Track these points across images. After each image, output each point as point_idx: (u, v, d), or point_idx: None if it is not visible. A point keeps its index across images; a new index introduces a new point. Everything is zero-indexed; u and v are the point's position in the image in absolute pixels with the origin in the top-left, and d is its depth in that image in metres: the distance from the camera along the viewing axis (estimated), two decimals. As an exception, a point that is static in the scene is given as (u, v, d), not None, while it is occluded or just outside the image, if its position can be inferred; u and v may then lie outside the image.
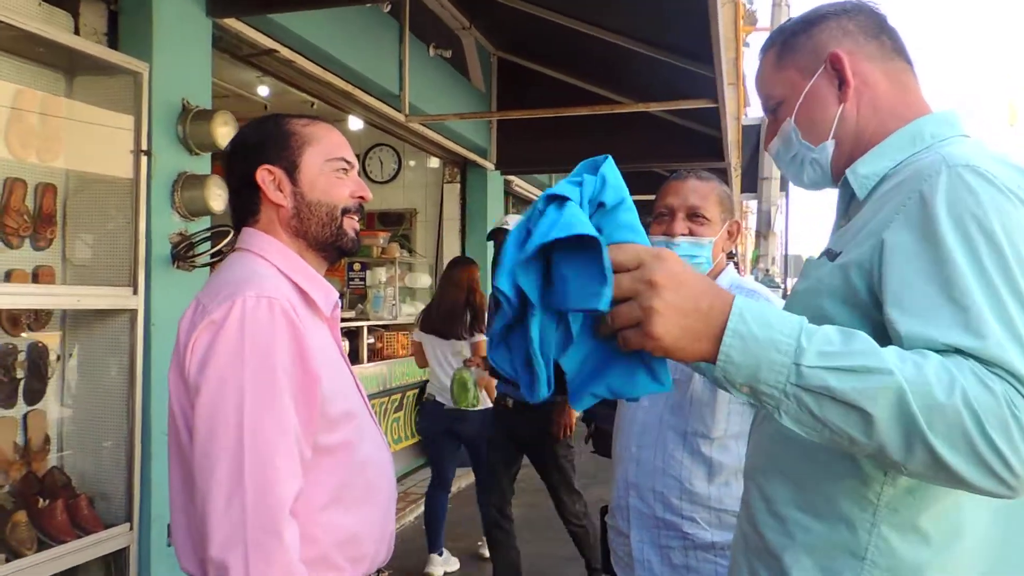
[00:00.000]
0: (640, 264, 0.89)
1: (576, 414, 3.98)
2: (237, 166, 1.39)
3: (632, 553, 1.83)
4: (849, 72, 1.09)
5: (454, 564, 4.89)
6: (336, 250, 1.40)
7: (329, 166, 1.38)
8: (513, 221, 3.58)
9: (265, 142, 1.37)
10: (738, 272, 2.00)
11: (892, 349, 0.85)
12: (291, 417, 1.20)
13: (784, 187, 10.45)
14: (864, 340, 0.85)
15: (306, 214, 1.36)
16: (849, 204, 1.14)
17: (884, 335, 0.92)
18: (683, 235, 1.81)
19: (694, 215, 1.82)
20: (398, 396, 6.04)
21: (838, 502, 0.98)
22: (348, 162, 1.41)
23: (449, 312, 4.51)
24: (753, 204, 9.79)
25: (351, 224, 1.40)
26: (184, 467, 1.27)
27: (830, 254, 1.06)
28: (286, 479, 1.18)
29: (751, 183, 9.65)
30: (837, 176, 1.15)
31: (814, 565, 0.98)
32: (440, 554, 4.74)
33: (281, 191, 1.36)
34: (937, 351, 0.84)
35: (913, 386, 0.81)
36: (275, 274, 1.32)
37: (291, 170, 1.36)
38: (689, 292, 0.88)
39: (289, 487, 1.18)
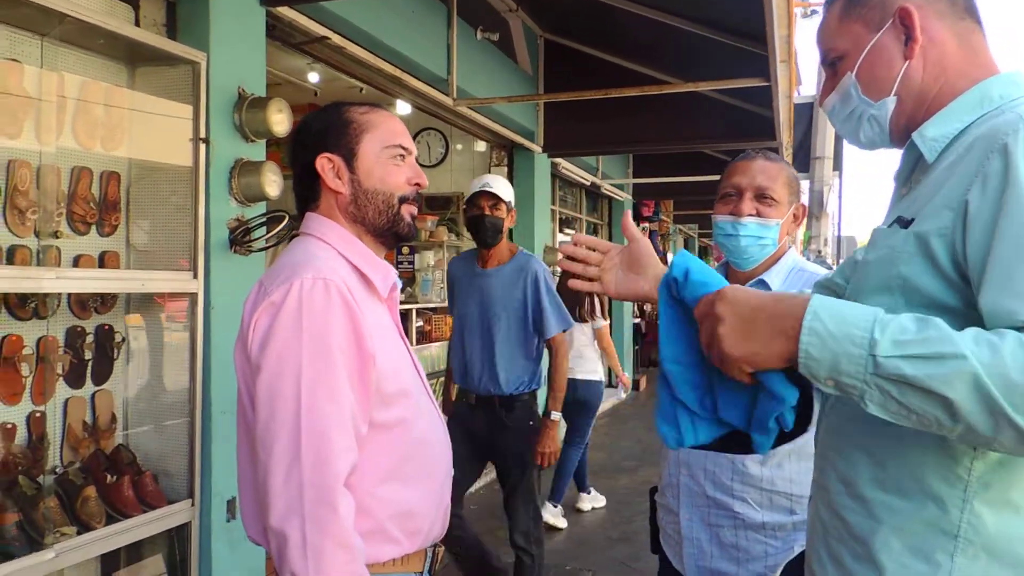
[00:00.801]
0: (706, 306, 1.04)
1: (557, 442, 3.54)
2: (299, 154, 1.43)
3: (681, 531, 1.84)
4: (918, 28, 1.07)
5: (600, 500, 5.54)
6: (393, 236, 1.44)
7: (387, 153, 1.41)
8: (492, 181, 3.50)
9: (325, 130, 1.41)
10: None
11: (969, 332, 0.86)
12: (347, 394, 1.25)
13: (837, 167, 10.24)
14: (938, 326, 0.86)
15: (363, 201, 1.40)
16: (914, 168, 1.12)
17: (971, 305, 0.92)
18: (751, 215, 1.80)
19: (762, 196, 1.81)
20: (444, 378, 6.11)
21: (926, 479, 0.97)
22: (406, 148, 1.44)
23: (572, 298, 4.99)
24: (805, 184, 9.60)
25: (408, 210, 1.44)
26: (251, 441, 1.32)
27: (902, 221, 1.03)
28: (341, 453, 1.23)
29: (803, 163, 9.46)
30: (895, 136, 1.13)
31: (903, 546, 0.97)
32: (588, 492, 5.49)
33: (340, 178, 1.40)
34: (1018, 327, 0.85)
35: (989, 368, 0.82)
36: (335, 256, 1.36)
37: (349, 158, 1.40)
38: (742, 310, 0.98)
39: (344, 461, 1.23)
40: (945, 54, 1.08)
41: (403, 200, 1.42)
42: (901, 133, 1.13)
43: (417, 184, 1.44)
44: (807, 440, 1.73)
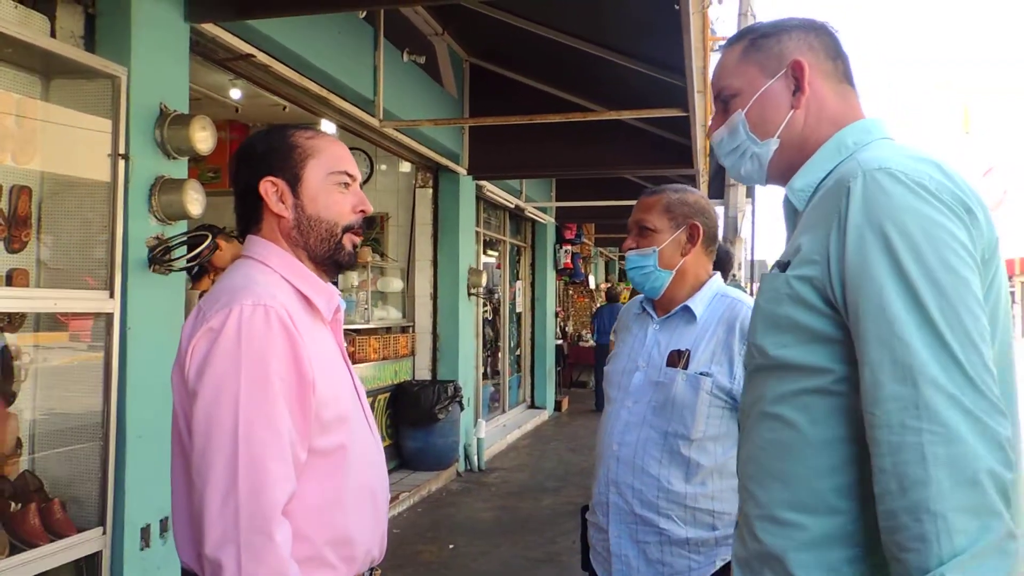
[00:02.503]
0: None
1: None
2: (242, 175, 1.41)
3: (610, 548, 1.89)
4: (807, 81, 1.18)
5: None
6: (333, 264, 1.43)
7: (331, 179, 1.41)
8: None
9: (270, 153, 1.40)
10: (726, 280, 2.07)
11: None
12: (285, 422, 1.24)
13: (750, 194, 10.64)
14: None
15: (306, 227, 1.39)
16: (795, 218, 1.23)
17: (850, 336, 1.02)
18: (632, 248, 1.97)
19: (641, 228, 1.96)
20: (370, 399, 6.05)
21: (828, 498, 1.04)
22: (351, 175, 1.43)
23: None
24: (721, 210, 9.94)
25: (351, 240, 1.43)
26: (185, 464, 1.30)
27: (780, 265, 1.14)
28: (278, 482, 1.22)
29: (718, 190, 9.81)
30: (772, 175, 1.24)
31: (814, 560, 1.03)
32: None
33: (283, 203, 1.38)
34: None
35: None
36: (277, 280, 1.35)
37: (293, 182, 1.39)
38: None
39: (281, 489, 1.22)
40: (823, 109, 1.19)
41: (347, 229, 1.42)
42: (777, 175, 1.24)
43: (362, 211, 1.44)
44: (729, 459, 1.81)
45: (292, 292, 1.35)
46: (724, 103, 1.26)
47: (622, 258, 17.02)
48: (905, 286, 0.97)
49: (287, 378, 1.24)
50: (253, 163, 1.40)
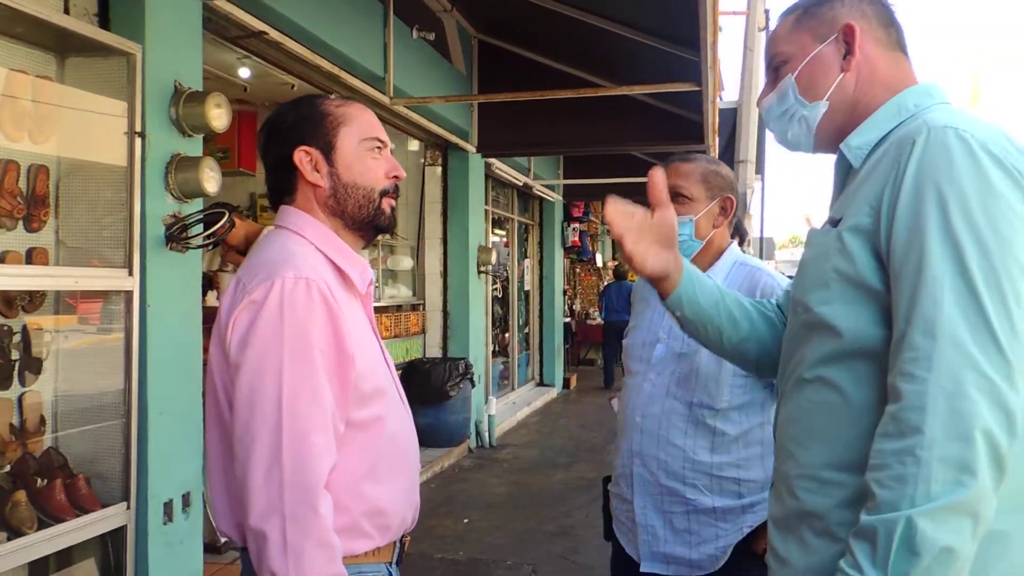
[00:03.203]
0: None
1: None
2: (274, 146, 1.41)
3: (635, 518, 1.90)
4: (857, 45, 1.19)
5: None
6: (374, 228, 1.44)
7: (364, 146, 1.41)
8: None
9: (301, 123, 1.39)
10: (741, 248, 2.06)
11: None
12: (327, 394, 1.25)
13: (759, 171, 10.58)
14: None
15: (343, 194, 1.39)
16: (846, 176, 1.23)
17: (886, 293, 1.04)
18: None
19: (676, 195, 1.88)
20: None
21: (868, 456, 1.05)
22: (382, 141, 1.43)
23: None
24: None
25: (388, 203, 1.44)
26: (224, 437, 1.31)
27: (832, 221, 1.15)
28: (321, 454, 1.23)
29: (728, 166, 9.75)
30: (820, 140, 1.25)
31: (854, 518, 1.04)
32: None
33: (318, 171, 1.38)
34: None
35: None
36: (312, 252, 1.35)
37: (327, 151, 1.38)
38: None
39: (324, 462, 1.23)
40: (875, 72, 1.20)
41: (383, 193, 1.42)
42: (825, 139, 1.24)
43: (396, 176, 1.44)
44: (751, 427, 1.82)
45: (327, 264, 1.36)
46: (775, 71, 1.27)
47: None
48: (951, 244, 0.98)
49: (328, 351, 1.25)
50: (284, 134, 1.40)
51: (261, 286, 1.25)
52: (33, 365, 2.80)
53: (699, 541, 1.83)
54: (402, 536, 1.44)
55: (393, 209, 1.45)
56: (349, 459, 1.29)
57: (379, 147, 1.43)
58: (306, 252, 1.34)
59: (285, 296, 1.24)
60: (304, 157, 1.38)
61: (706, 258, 1.93)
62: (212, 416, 1.35)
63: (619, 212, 1.35)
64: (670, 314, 1.48)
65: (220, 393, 1.31)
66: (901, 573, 0.94)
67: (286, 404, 1.21)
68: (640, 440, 1.88)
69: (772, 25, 1.34)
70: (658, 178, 1.36)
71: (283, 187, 1.42)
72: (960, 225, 0.98)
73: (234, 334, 1.25)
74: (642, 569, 1.89)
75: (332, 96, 1.45)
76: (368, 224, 1.42)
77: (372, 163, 1.41)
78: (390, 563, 1.39)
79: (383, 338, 6.01)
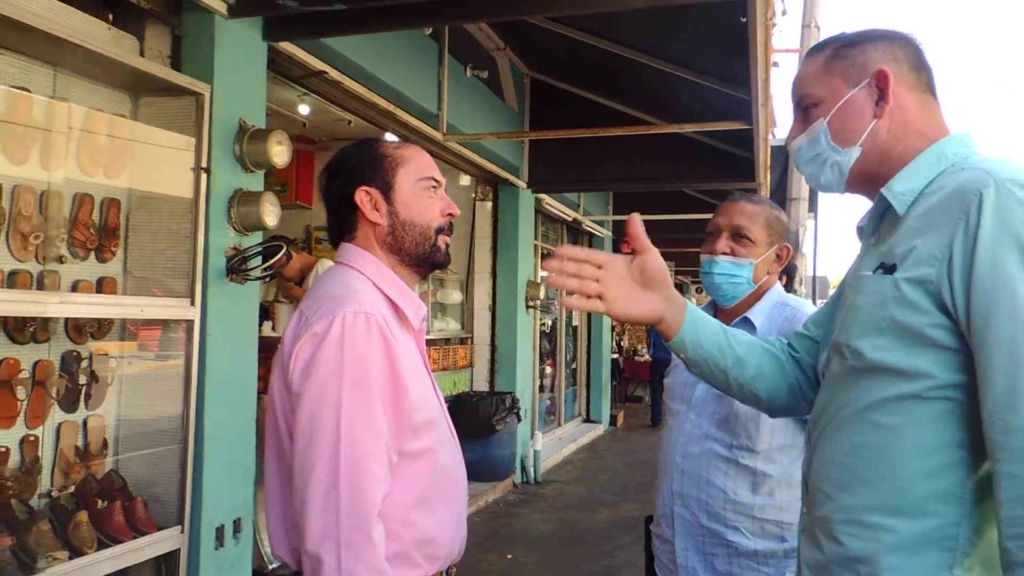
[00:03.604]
0: None
1: None
2: (336, 186, 1.49)
3: (676, 560, 1.89)
4: (891, 91, 1.19)
5: None
6: (429, 264, 1.50)
7: (421, 185, 1.47)
8: None
9: (362, 165, 1.47)
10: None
11: None
12: (383, 425, 1.30)
13: (812, 208, 10.47)
14: None
15: (400, 232, 1.46)
16: (881, 220, 1.23)
17: (962, 342, 1.04)
18: (724, 254, 1.89)
19: (738, 235, 1.89)
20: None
21: (924, 501, 1.05)
22: (437, 180, 1.50)
23: None
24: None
25: (444, 240, 1.50)
26: (283, 464, 1.37)
27: (885, 267, 1.13)
28: (376, 483, 1.28)
29: (779, 204, 9.66)
30: (852, 184, 1.25)
31: (906, 563, 1.04)
32: None
33: (378, 210, 1.45)
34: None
35: None
36: (371, 288, 1.41)
37: (386, 190, 1.46)
38: None
39: (379, 490, 1.28)
40: (908, 118, 1.20)
41: (439, 231, 1.49)
42: (856, 183, 1.25)
43: (450, 215, 1.51)
44: (795, 469, 1.80)
45: (384, 300, 1.41)
46: (805, 111, 1.26)
47: (679, 273, 16.73)
48: None
49: (385, 384, 1.30)
50: (346, 175, 1.47)
51: (323, 320, 1.31)
52: (99, 390, 2.91)
53: None
54: (449, 567, 1.46)
55: (447, 246, 1.51)
56: (401, 489, 1.33)
57: (434, 186, 1.49)
58: (365, 288, 1.40)
59: (346, 330, 1.29)
60: (365, 197, 1.45)
61: (751, 299, 1.93)
62: (272, 444, 1.40)
63: (582, 268, 1.28)
64: (675, 355, 1.44)
65: (281, 421, 1.36)
66: None
67: (344, 432, 1.26)
68: (681, 480, 1.88)
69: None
70: (637, 223, 1.31)
71: (344, 225, 1.49)
72: None
73: (296, 365, 1.31)
74: None
75: (390, 138, 1.51)
76: (424, 260, 1.48)
77: (428, 202, 1.48)
78: None
79: (432, 371, 6.06)
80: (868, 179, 1.23)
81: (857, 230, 1.29)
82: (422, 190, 1.47)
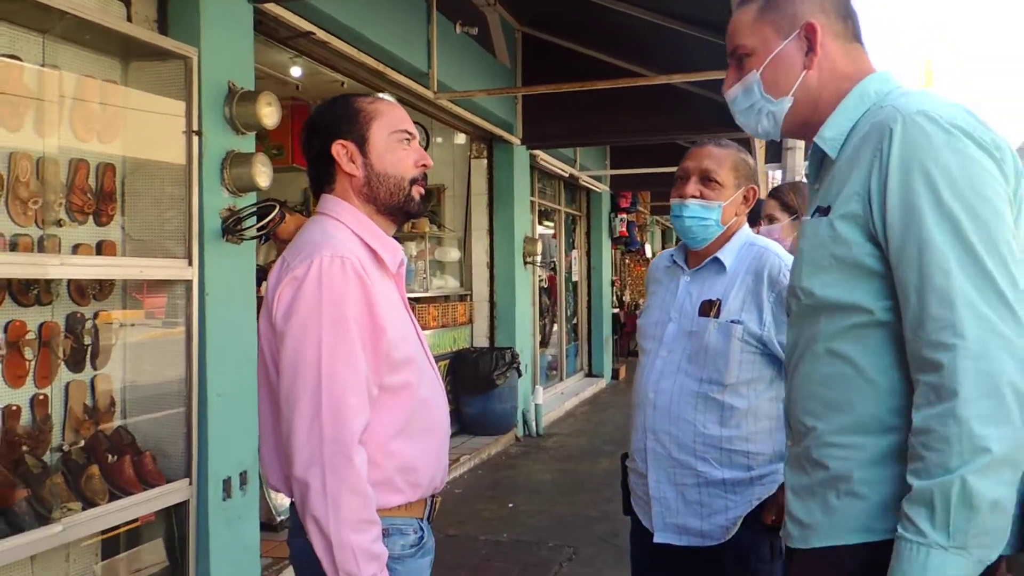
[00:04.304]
0: None
1: None
2: (314, 141, 1.57)
3: (649, 491, 1.99)
4: (819, 43, 1.25)
5: None
6: (403, 214, 1.58)
7: (394, 137, 1.55)
8: None
9: (337, 119, 1.55)
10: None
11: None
12: (361, 361, 1.40)
13: (807, 156, 10.45)
14: None
15: (376, 183, 1.54)
16: (821, 166, 1.31)
17: (885, 275, 1.12)
18: (694, 197, 1.96)
19: (707, 179, 1.96)
20: (430, 366, 6.25)
21: (886, 418, 1.14)
22: (410, 133, 1.58)
23: None
24: (778, 174, 9.81)
25: (417, 190, 1.58)
26: (272, 398, 1.48)
27: (821, 210, 1.22)
28: (356, 413, 1.38)
29: (775, 153, 9.65)
30: (787, 130, 1.33)
31: (876, 476, 1.13)
32: None
33: (353, 162, 1.53)
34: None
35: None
36: (348, 235, 1.50)
37: (361, 143, 1.53)
38: None
39: (358, 419, 1.39)
40: (836, 66, 1.26)
41: (413, 181, 1.57)
42: (792, 128, 1.32)
43: (424, 165, 1.58)
44: (760, 402, 1.90)
45: (362, 246, 1.50)
46: (738, 60, 1.33)
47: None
48: (947, 218, 1.06)
49: (362, 322, 1.40)
50: (323, 130, 1.55)
51: (302, 264, 1.41)
52: (103, 350, 3.01)
53: (710, 512, 1.91)
54: (432, 496, 1.57)
55: (421, 196, 1.59)
56: (381, 420, 1.43)
57: (407, 139, 1.57)
58: (343, 235, 1.49)
59: (323, 272, 1.39)
60: (341, 150, 1.53)
61: (720, 240, 2.00)
62: (262, 381, 1.51)
63: None
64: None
65: (268, 359, 1.47)
66: (962, 530, 1.01)
67: (325, 368, 1.36)
68: (653, 415, 1.97)
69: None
70: None
71: (323, 178, 1.57)
72: (951, 198, 1.06)
73: (279, 306, 1.41)
74: (655, 539, 1.98)
75: (364, 94, 1.58)
76: (398, 209, 1.56)
77: (402, 154, 1.55)
78: (421, 519, 1.53)
79: (431, 328, 6.18)
80: (802, 124, 1.31)
81: (805, 175, 1.37)
82: (395, 142, 1.55)
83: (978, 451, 1.01)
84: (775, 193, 2.97)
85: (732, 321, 1.90)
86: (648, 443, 1.98)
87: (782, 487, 1.88)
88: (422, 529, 1.54)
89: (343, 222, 1.52)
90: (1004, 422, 1.01)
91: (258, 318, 1.51)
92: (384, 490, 1.43)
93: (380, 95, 1.66)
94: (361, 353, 1.39)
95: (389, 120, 1.55)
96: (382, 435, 1.44)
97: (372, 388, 1.42)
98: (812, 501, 1.23)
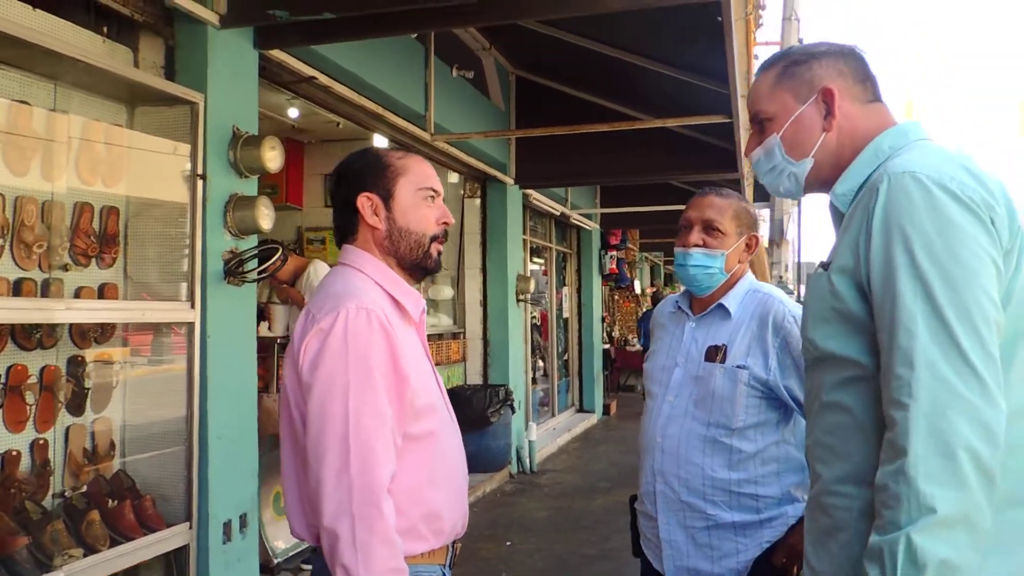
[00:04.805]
0: None
1: None
2: (341, 191, 1.60)
3: (660, 535, 2.01)
4: (837, 107, 1.30)
5: None
6: (421, 270, 1.61)
7: (419, 195, 1.58)
8: None
9: (365, 171, 1.58)
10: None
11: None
12: (387, 411, 1.42)
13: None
14: None
15: (397, 237, 1.57)
16: (839, 220, 1.34)
17: (874, 330, 1.15)
18: (697, 246, 2.02)
19: (710, 228, 2.02)
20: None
21: (874, 471, 1.13)
22: (436, 191, 1.61)
23: None
24: (766, 212, 9.94)
25: (437, 248, 1.61)
26: (297, 449, 1.49)
27: (824, 265, 1.27)
28: (384, 462, 1.40)
29: (764, 193, 9.80)
30: (808, 189, 1.37)
31: (867, 528, 1.12)
32: None
33: (377, 215, 1.56)
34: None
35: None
36: (372, 286, 1.53)
37: (386, 198, 1.57)
38: None
39: (386, 469, 1.40)
40: (855, 127, 1.30)
41: (433, 239, 1.60)
42: (815, 187, 1.37)
43: (445, 223, 1.62)
44: (767, 445, 1.93)
45: (385, 296, 1.52)
46: (760, 124, 1.38)
47: (667, 263, 16.86)
48: (918, 280, 1.09)
49: (387, 373, 1.42)
50: (351, 180, 1.58)
51: (328, 316, 1.43)
52: (104, 393, 3.00)
53: (720, 555, 1.93)
54: (454, 541, 1.58)
55: (439, 253, 1.62)
56: (406, 469, 1.45)
57: (432, 196, 1.60)
58: (366, 286, 1.51)
59: (349, 324, 1.41)
60: (366, 202, 1.56)
61: (724, 287, 2.05)
62: (287, 432, 1.52)
63: None
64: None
65: (294, 410, 1.48)
66: None
67: (352, 418, 1.38)
68: (661, 459, 1.99)
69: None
70: None
71: (347, 227, 1.60)
72: (924, 261, 1.09)
73: (306, 358, 1.43)
74: None
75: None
76: (416, 266, 1.60)
77: (426, 211, 1.59)
78: (444, 565, 1.53)
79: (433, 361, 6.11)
80: (824, 183, 1.35)
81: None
82: (420, 200, 1.58)
83: (924, 510, 1.02)
84: None
85: (738, 366, 1.93)
86: (657, 486, 2.00)
87: (791, 529, 1.91)
88: (444, 575, 1.54)
89: (366, 273, 1.54)
90: (954, 484, 1.02)
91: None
92: (409, 538, 1.44)
93: (409, 151, 1.68)
94: (387, 403, 1.42)
95: (416, 177, 1.59)
96: (407, 484, 1.45)
97: (397, 438, 1.44)
98: (821, 548, 1.25)
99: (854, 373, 1.19)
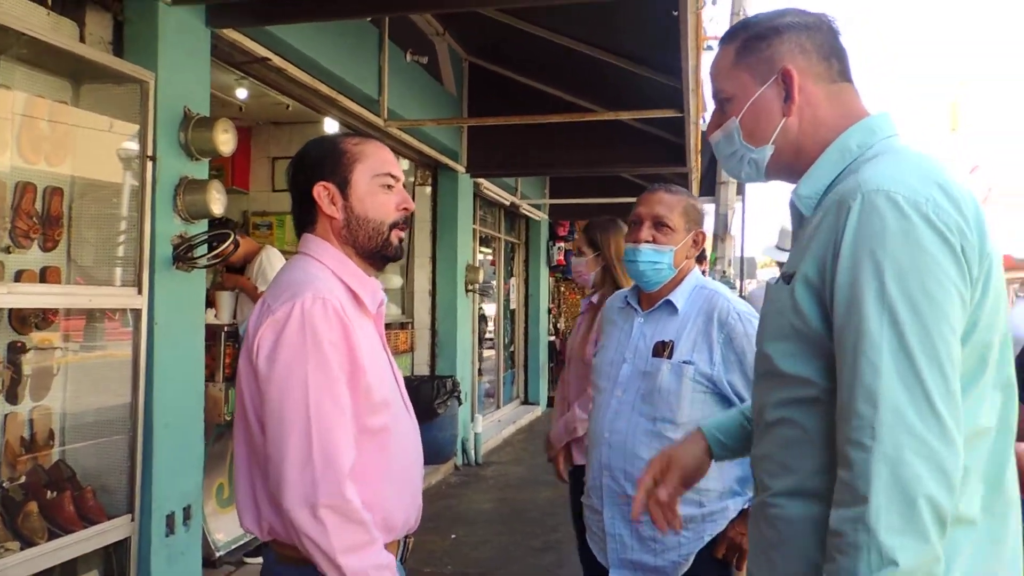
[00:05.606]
0: None
1: None
2: (298, 180, 1.56)
3: (605, 528, 2.04)
4: (796, 89, 1.20)
5: None
6: (381, 258, 1.57)
7: (377, 181, 1.54)
8: None
9: (322, 160, 1.54)
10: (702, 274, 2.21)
11: None
12: (346, 400, 1.41)
13: (740, 192, 10.82)
14: None
15: (355, 226, 1.53)
16: (801, 222, 1.25)
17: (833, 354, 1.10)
18: (647, 242, 2.05)
19: (659, 224, 2.05)
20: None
21: (828, 489, 1.09)
22: (395, 176, 1.57)
23: None
24: (710, 208, 10.11)
25: (397, 235, 1.57)
26: (250, 441, 1.46)
27: (785, 277, 1.19)
28: (345, 450, 1.40)
29: (709, 188, 9.96)
30: (771, 176, 1.28)
31: (814, 543, 1.11)
32: None
33: (334, 204, 1.52)
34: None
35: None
36: (329, 276, 1.49)
37: (343, 186, 1.52)
38: None
39: (348, 457, 1.40)
40: (818, 113, 1.21)
41: (392, 226, 1.56)
42: (777, 174, 1.28)
43: (405, 208, 1.57)
44: None
45: (342, 286, 1.50)
46: (720, 104, 1.29)
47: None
48: (888, 311, 1.03)
49: (343, 363, 1.40)
50: (308, 169, 1.55)
51: (284, 306, 1.40)
52: (44, 381, 2.89)
53: (663, 549, 1.97)
54: (406, 536, 1.57)
55: (401, 240, 1.58)
56: (359, 463, 1.43)
57: (391, 183, 1.56)
58: (324, 276, 1.49)
59: (305, 314, 1.39)
60: (323, 191, 1.52)
61: (671, 284, 2.08)
62: (240, 424, 1.49)
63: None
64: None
65: (248, 402, 1.45)
66: None
67: (313, 408, 1.37)
68: (608, 454, 2.02)
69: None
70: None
71: (305, 217, 1.57)
72: (894, 290, 1.03)
73: (261, 350, 1.40)
74: (611, 575, 2.02)
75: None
76: (376, 254, 1.56)
77: (383, 197, 1.55)
78: (396, 560, 1.52)
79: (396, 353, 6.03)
80: (786, 170, 1.27)
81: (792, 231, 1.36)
82: (378, 187, 1.54)
83: (886, 562, 0.99)
84: (587, 229, 3.12)
85: (684, 362, 1.97)
86: (604, 480, 2.03)
87: (732, 523, 1.97)
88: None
89: (323, 262, 1.52)
90: (914, 534, 0.99)
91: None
92: None
93: (368, 137, 1.65)
94: (347, 393, 1.40)
95: (373, 163, 1.55)
96: (359, 480, 1.43)
97: (353, 429, 1.43)
98: (762, 557, 1.24)
99: (810, 393, 1.14)
